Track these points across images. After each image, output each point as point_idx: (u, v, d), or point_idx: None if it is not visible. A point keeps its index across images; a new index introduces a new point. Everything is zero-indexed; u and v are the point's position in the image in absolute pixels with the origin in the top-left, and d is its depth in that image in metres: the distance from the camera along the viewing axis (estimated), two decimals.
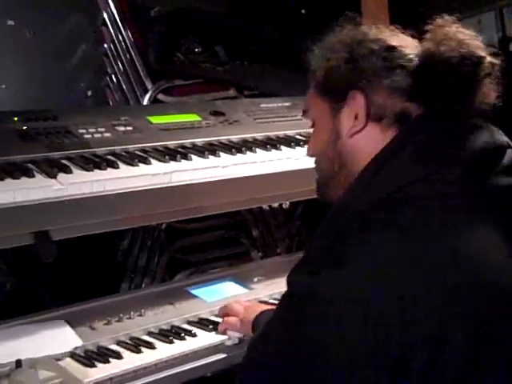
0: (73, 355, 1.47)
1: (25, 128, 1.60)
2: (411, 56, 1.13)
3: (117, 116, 1.75)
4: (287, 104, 2.09)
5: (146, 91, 2.17)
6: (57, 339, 1.52)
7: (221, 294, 1.81)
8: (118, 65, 2.17)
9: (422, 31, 1.15)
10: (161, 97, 2.14)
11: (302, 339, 1.01)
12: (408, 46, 1.15)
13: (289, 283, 1.09)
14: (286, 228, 2.37)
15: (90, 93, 2.14)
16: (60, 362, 1.44)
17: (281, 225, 2.43)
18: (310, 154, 1.27)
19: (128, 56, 2.17)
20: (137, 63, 2.19)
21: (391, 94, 1.12)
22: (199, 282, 1.88)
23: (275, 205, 2.39)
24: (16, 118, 1.63)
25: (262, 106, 2.04)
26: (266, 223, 2.41)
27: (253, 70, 2.38)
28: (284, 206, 2.41)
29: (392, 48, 1.14)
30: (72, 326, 1.57)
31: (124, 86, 2.17)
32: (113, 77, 2.18)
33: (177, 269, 2.23)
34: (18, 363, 1.36)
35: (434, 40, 1.11)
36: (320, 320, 0.99)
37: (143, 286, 2.08)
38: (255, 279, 1.92)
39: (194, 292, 1.80)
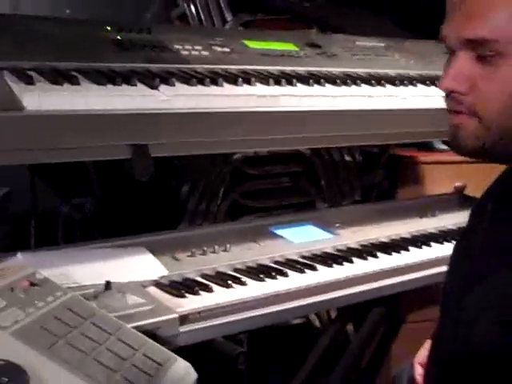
0: (158, 284, 1.36)
1: (119, 38, 1.47)
2: None
3: (211, 36, 1.63)
4: (382, 44, 1.95)
5: (224, 23, 2.04)
6: (141, 266, 1.41)
7: (305, 235, 1.70)
8: None
9: None
10: None
11: None
12: None
13: None
14: (362, 178, 2.24)
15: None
16: (146, 290, 1.33)
17: (351, 176, 2.31)
18: (493, 97, 0.95)
19: None
20: None
21: None
22: (280, 223, 1.76)
23: (347, 156, 2.26)
24: (109, 28, 1.51)
25: (357, 43, 1.90)
26: (337, 173, 2.28)
27: (340, 9, 2.24)
28: (358, 157, 2.28)
29: None
30: (154, 255, 1.46)
31: (202, 16, 2.04)
32: (191, 5, 2.04)
33: (238, 214, 2.13)
34: (108, 285, 1.26)
35: None
36: None
37: None
38: (337, 225, 1.80)
39: (278, 232, 1.69)
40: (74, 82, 1.23)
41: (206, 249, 1.52)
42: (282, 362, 1.99)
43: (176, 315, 1.24)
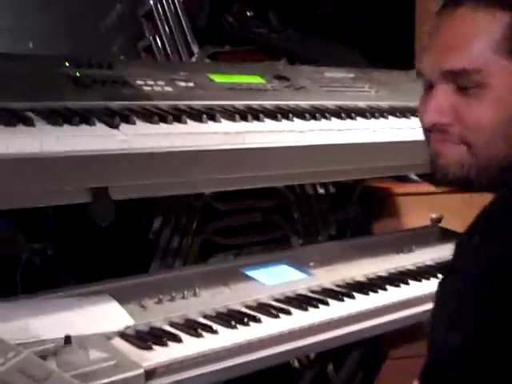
0: (123, 335, 1.27)
1: (78, 74, 1.40)
2: None
3: (175, 71, 1.56)
4: (351, 75, 1.90)
5: (191, 56, 1.98)
6: (105, 316, 1.32)
7: (279, 277, 1.62)
8: (163, 25, 1.98)
9: None
10: None
11: None
12: None
13: None
14: (336, 213, 2.17)
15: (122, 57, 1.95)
16: (111, 342, 1.25)
17: (325, 210, 2.24)
18: (477, 127, 0.92)
19: (175, 16, 1.97)
20: (184, 25, 1.99)
21: None
22: (251, 264, 1.68)
23: (320, 189, 2.20)
24: (67, 63, 1.43)
25: (325, 74, 1.85)
26: (310, 207, 2.22)
27: (307, 40, 2.19)
28: (331, 189, 2.22)
29: None
30: (120, 303, 1.38)
31: (168, 49, 1.98)
32: (157, 38, 1.98)
33: (210, 252, 2.05)
34: (67, 340, 1.17)
35: None
36: None
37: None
38: (311, 264, 1.73)
39: (250, 273, 1.61)
40: (28, 123, 1.15)
41: (174, 294, 1.43)
42: None
43: (141, 370, 1.15)
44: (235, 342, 1.29)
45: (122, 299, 1.38)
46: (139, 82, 1.44)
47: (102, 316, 1.31)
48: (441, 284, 1.07)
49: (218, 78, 1.60)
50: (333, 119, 1.54)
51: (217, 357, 1.26)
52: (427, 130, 0.97)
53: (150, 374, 1.17)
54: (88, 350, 1.17)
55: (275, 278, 1.61)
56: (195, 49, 1.97)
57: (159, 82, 1.47)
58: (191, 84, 1.52)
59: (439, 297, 1.06)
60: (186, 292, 1.44)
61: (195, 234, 1.98)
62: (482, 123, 0.91)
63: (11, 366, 0.95)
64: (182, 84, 1.51)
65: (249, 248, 2.05)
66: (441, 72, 0.92)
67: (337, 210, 2.13)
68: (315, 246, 1.96)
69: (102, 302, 1.37)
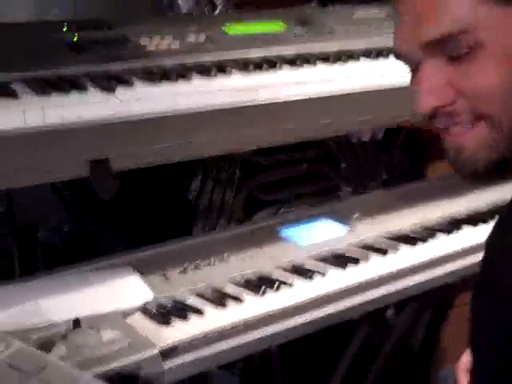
0: (142, 311, 1.20)
1: (76, 38, 1.31)
2: None
3: (185, 25, 1.44)
4: (383, 15, 1.73)
5: (214, 9, 1.86)
6: (124, 291, 1.25)
7: (317, 234, 1.51)
8: None
9: None
10: None
11: None
12: None
13: None
14: (382, 159, 2.03)
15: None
16: (128, 319, 1.18)
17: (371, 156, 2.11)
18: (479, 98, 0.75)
19: None
20: None
21: None
22: (288, 222, 1.58)
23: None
24: (66, 28, 1.34)
25: (355, 15, 1.69)
26: (356, 154, 2.09)
27: None
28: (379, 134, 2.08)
29: None
30: (142, 275, 1.30)
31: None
32: None
33: (255, 209, 1.95)
34: (76, 323, 1.10)
35: None
36: None
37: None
38: (354, 216, 1.61)
39: (286, 233, 1.51)
40: (11, 94, 1.07)
41: (199, 261, 1.35)
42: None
43: (155, 351, 1.07)
44: (262, 312, 1.20)
45: (145, 271, 1.31)
46: (143, 40, 1.34)
47: (120, 291, 1.25)
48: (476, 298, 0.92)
49: (234, 29, 1.47)
50: (361, 59, 1.39)
51: (243, 328, 1.18)
52: (430, 119, 0.79)
53: (169, 352, 1.10)
54: (101, 330, 1.11)
55: (313, 235, 1.50)
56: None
57: (166, 39, 1.36)
58: (202, 38, 1.41)
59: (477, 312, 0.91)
60: (212, 258, 1.36)
61: (237, 191, 1.90)
62: (488, 87, 0.73)
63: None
64: (192, 39, 1.40)
65: (296, 201, 1.96)
66: (422, 46, 0.75)
67: (384, 156, 2.00)
68: (359, 197, 1.83)
69: (122, 275, 1.29)
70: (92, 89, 1.13)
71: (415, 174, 2.00)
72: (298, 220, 1.57)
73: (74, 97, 1.10)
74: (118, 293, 1.25)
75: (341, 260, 1.38)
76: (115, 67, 1.24)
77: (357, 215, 1.62)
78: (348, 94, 1.32)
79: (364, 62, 1.43)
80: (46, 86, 1.11)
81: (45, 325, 1.11)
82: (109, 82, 1.14)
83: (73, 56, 1.25)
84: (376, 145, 2.03)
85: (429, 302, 1.90)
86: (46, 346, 1.07)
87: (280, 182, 1.95)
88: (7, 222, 1.54)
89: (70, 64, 1.22)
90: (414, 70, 0.79)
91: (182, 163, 1.65)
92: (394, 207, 1.65)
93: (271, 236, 1.48)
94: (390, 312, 1.89)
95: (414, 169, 2.00)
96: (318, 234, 1.51)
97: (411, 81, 0.80)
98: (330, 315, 1.26)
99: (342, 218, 1.59)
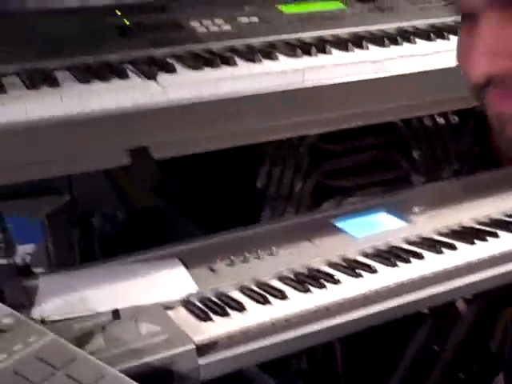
0: (184, 304, 1.17)
1: (126, 22, 1.29)
2: None
3: (240, 6, 1.40)
4: None
5: None
6: (167, 283, 1.23)
7: (372, 227, 1.44)
8: None
9: None
10: None
11: None
12: None
13: None
14: (454, 147, 1.93)
15: None
16: (168, 312, 1.15)
17: (448, 143, 2.00)
18: None
19: None
20: None
21: None
22: (346, 213, 1.51)
23: (440, 119, 1.97)
24: (118, 12, 1.32)
25: None
26: (430, 141, 1.99)
27: None
28: (452, 119, 1.97)
29: None
30: (187, 267, 1.28)
31: None
32: None
33: (324, 196, 1.89)
34: (116, 314, 1.09)
35: None
36: None
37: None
38: (415, 209, 1.53)
39: (340, 225, 1.45)
40: (53, 82, 1.06)
41: (248, 254, 1.31)
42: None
43: (192, 346, 1.04)
44: (308, 309, 1.15)
45: (192, 263, 1.28)
46: (193, 23, 1.30)
47: (163, 283, 1.22)
48: None
49: (289, 9, 1.42)
50: (418, 41, 1.31)
51: (284, 326, 1.13)
52: (479, 89, 0.66)
53: (206, 347, 1.07)
54: (140, 323, 1.09)
55: (368, 228, 1.44)
56: None
57: (217, 21, 1.32)
58: (255, 19, 1.36)
59: None
60: (260, 251, 1.31)
61: (305, 177, 1.84)
62: None
63: (28, 353, 0.87)
64: (245, 20, 1.35)
65: (367, 190, 1.89)
66: None
67: (458, 141, 1.90)
68: (421, 188, 1.74)
69: (168, 267, 1.27)
70: (133, 75, 1.10)
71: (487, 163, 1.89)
72: (355, 212, 1.51)
73: (115, 84, 1.07)
74: (161, 284, 1.22)
75: (395, 255, 1.31)
76: (161, 52, 1.21)
77: (421, 207, 1.54)
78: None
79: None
80: (88, 73, 1.09)
81: (89, 314, 1.10)
82: (150, 68, 1.11)
83: (120, 41, 1.23)
84: (449, 131, 1.93)
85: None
86: (85, 337, 1.06)
87: (350, 169, 1.88)
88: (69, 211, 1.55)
89: (116, 50, 1.20)
90: (467, 26, 0.66)
91: (250, 150, 1.62)
92: (465, 199, 1.56)
93: (326, 228, 1.43)
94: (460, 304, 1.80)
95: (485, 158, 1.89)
96: (375, 226, 1.45)
97: (458, 40, 0.68)
98: (375, 315, 1.20)
99: (405, 209, 1.52)
